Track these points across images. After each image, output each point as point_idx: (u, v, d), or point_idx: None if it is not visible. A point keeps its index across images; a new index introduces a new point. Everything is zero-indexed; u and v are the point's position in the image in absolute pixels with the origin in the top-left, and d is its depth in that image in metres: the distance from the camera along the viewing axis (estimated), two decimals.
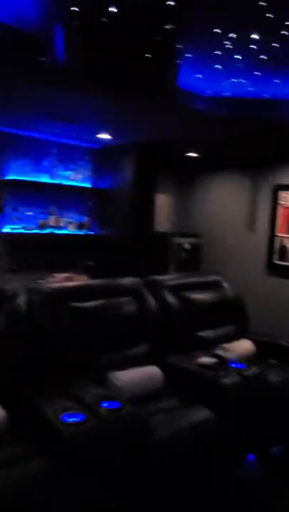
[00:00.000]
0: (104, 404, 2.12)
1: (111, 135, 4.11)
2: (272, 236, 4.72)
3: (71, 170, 4.79)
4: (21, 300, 2.67)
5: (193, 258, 5.52)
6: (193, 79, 3.11)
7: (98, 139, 4.37)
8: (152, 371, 2.79)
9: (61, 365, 2.60)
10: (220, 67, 2.91)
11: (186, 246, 5.48)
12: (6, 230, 4.51)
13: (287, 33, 2.33)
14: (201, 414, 2.49)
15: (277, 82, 3.09)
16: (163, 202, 5.49)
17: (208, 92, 3.37)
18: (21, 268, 4.59)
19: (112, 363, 2.78)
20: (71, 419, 1.94)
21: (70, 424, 1.92)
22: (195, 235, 5.59)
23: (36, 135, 4.44)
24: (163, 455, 2.16)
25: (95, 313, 2.91)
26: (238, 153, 4.82)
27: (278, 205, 4.67)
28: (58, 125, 3.79)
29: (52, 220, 4.72)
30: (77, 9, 2.14)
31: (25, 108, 3.18)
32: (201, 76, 3.07)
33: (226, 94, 3.39)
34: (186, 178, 5.79)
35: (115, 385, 2.54)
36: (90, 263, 4.96)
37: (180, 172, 5.77)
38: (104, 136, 4.15)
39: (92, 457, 1.87)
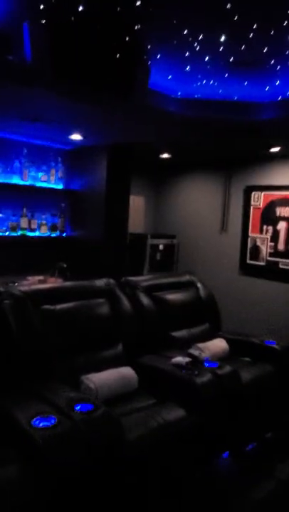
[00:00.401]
0: (77, 407, 2.10)
1: (83, 136, 4.08)
2: (245, 236, 4.79)
3: (43, 171, 4.73)
4: None
5: (167, 259, 5.54)
6: (164, 80, 3.13)
7: (70, 139, 4.33)
8: (126, 372, 2.79)
9: (34, 369, 2.56)
10: (189, 68, 2.94)
11: (161, 247, 5.50)
12: None
13: (254, 36, 2.36)
14: (175, 413, 2.50)
15: (245, 85, 3.13)
16: (137, 203, 5.49)
17: (179, 93, 3.39)
18: None
19: (85, 365, 2.76)
20: (42, 424, 1.91)
21: (42, 429, 1.89)
22: (169, 236, 5.61)
23: (7, 135, 4.36)
24: (136, 454, 2.15)
25: (67, 315, 2.89)
26: (210, 154, 4.87)
27: (250, 206, 4.74)
28: (28, 126, 3.74)
29: (24, 222, 4.64)
30: (45, 7, 2.12)
31: None
32: (171, 77, 3.09)
33: (197, 96, 3.42)
34: (160, 180, 5.81)
35: (89, 388, 2.52)
36: (63, 265, 4.90)
37: (154, 173, 5.79)
38: (76, 137, 4.12)
39: (66, 461, 1.84)
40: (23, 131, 4.08)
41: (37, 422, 1.93)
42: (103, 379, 2.60)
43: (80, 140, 4.31)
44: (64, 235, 5.05)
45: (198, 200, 5.36)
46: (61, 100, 2.80)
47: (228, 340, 3.63)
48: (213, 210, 5.15)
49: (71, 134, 3.97)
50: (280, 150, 4.25)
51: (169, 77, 3.07)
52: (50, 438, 1.85)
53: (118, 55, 2.67)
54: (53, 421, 1.94)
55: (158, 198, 5.84)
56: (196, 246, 5.36)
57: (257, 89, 3.23)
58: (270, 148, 4.10)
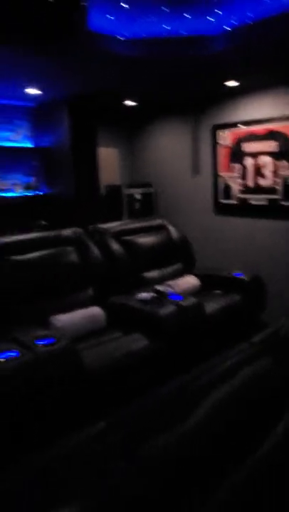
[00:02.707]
0: (40, 342, 2.28)
1: (40, 89, 4.06)
2: (215, 176, 4.83)
3: (9, 130, 4.74)
4: None
5: (145, 207, 5.62)
6: (105, 21, 3.09)
7: (30, 95, 4.31)
8: (94, 311, 2.96)
9: (3, 315, 2.74)
10: (129, 7, 2.90)
11: (137, 196, 5.57)
12: None
13: None
14: (138, 343, 2.69)
15: (188, 18, 3.09)
16: (108, 155, 5.51)
17: (125, 33, 3.35)
18: None
19: (55, 308, 2.92)
20: (3, 356, 2.09)
21: (3, 361, 2.07)
22: (145, 185, 5.66)
23: None
24: (98, 382, 2.35)
25: (35, 264, 3.03)
26: (173, 96, 4.83)
27: (217, 145, 4.75)
28: None
29: None
30: None
31: None
32: (112, 17, 3.05)
33: (144, 35, 3.38)
34: (131, 130, 5.79)
35: (55, 326, 2.70)
36: (43, 223, 5.01)
37: (124, 125, 5.75)
38: (34, 91, 4.10)
39: (28, 391, 2.03)
40: None
41: (1, 356, 2.11)
42: (70, 318, 2.78)
43: (40, 94, 4.29)
44: (40, 193, 5.13)
45: (169, 146, 5.36)
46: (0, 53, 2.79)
47: (199, 277, 3.79)
48: (185, 154, 5.17)
49: (26, 87, 3.95)
50: (239, 85, 4.21)
51: (110, 17, 3.04)
52: (13, 369, 2.03)
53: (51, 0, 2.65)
54: (15, 354, 2.12)
55: (131, 149, 5.84)
56: (171, 192, 5.42)
57: (201, 22, 3.18)
58: (225, 81, 4.06)
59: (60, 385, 2.14)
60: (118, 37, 3.34)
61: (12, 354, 2.12)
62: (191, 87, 4.43)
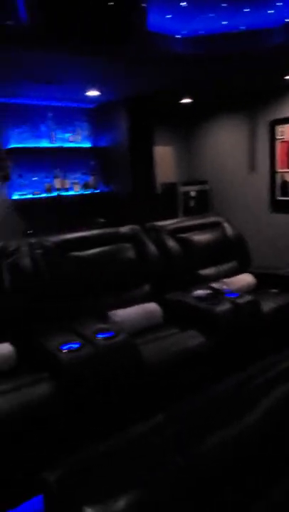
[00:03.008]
0: (100, 335, 2.37)
1: (99, 91, 4.18)
2: (273, 173, 4.73)
3: (69, 132, 4.92)
4: (25, 253, 2.93)
5: (200, 205, 5.61)
6: (164, 20, 3.13)
7: (90, 97, 4.44)
8: (151, 307, 3.01)
9: (64, 309, 2.86)
10: (186, 4, 2.92)
11: (193, 193, 5.57)
12: (15, 197, 4.75)
13: None
14: (195, 339, 2.71)
15: (247, 12, 3.05)
16: (164, 153, 5.55)
17: (183, 32, 3.37)
18: (36, 232, 4.85)
19: (113, 303, 3.01)
20: (67, 347, 2.20)
21: (67, 352, 2.18)
22: (201, 182, 5.65)
23: (30, 101, 4.57)
24: (155, 376, 2.40)
25: (94, 260, 3.14)
26: (230, 92, 4.77)
27: (276, 141, 4.64)
28: (46, 88, 3.91)
29: (57, 183, 4.91)
30: None
31: (6, 74, 3.31)
32: (170, 16, 3.08)
33: (202, 32, 3.38)
34: (187, 128, 5.79)
35: (114, 321, 2.78)
36: (100, 220, 5.15)
37: (178, 122, 5.77)
38: (93, 93, 4.23)
39: (88, 380, 2.13)
40: (43, 94, 4.25)
41: (64, 347, 2.22)
42: (128, 313, 2.85)
43: (99, 96, 4.41)
44: (97, 191, 5.28)
45: (225, 143, 5.31)
46: (62, 56, 2.92)
47: (255, 275, 3.74)
48: (241, 150, 5.10)
49: (87, 90, 4.09)
50: None
51: (168, 16, 3.07)
52: (73, 359, 2.14)
53: (111, 2, 2.73)
54: (77, 345, 2.23)
55: (187, 147, 5.85)
56: (227, 189, 5.37)
57: (261, 15, 3.13)
58: (285, 75, 3.96)
59: (119, 378, 2.21)
60: (176, 36, 3.37)
61: (74, 346, 2.23)
62: (250, 82, 4.36)
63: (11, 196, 4.75)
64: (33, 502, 1.95)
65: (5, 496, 1.93)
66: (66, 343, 2.26)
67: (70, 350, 2.19)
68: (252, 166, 4.99)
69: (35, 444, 1.97)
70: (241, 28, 3.37)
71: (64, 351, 2.18)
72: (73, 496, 1.39)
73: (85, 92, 4.15)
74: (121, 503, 1.36)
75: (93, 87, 4.03)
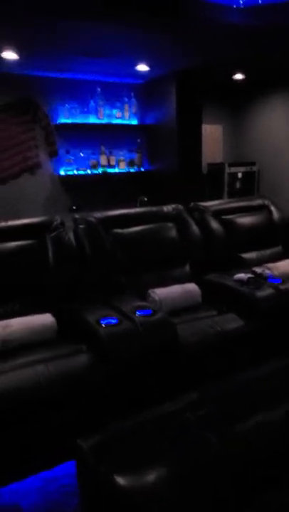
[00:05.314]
0: (138, 312, 2.39)
1: (148, 66, 4.10)
2: None
3: (117, 108, 4.89)
4: (68, 228, 2.99)
5: (247, 187, 5.47)
6: None
7: (139, 72, 4.38)
8: (191, 287, 3.00)
9: (105, 285, 2.91)
10: None
11: (239, 175, 5.43)
12: (61, 172, 4.82)
13: None
14: (233, 323, 2.68)
15: None
16: (212, 132, 5.42)
17: (239, 1, 3.21)
18: (80, 208, 4.93)
19: (153, 281, 3.03)
20: (106, 322, 2.24)
21: (106, 326, 2.23)
22: (248, 163, 5.49)
23: (79, 76, 4.57)
24: (191, 356, 2.40)
25: (136, 238, 3.15)
26: (285, 68, 4.54)
27: None
28: (96, 62, 3.88)
29: (103, 160, 4.93)
30: None
31: (58, 48, 3.31)
32: None
33: (259, 1, 3.20)
34: (238, 107, 5.61)
35: (154, 300, 2.80)
36: (144, 198, 5.15)
37: (227, 100, 5.58)
38: (143, 67, 4.16)
39: (124, 354, 2.17)
40: (93, 69, 4.24)
41: (103, 321, 2.27)
42: (167, 292, 2.86)
43: (148, 71, 4.34)
44: (142, 169, 5.25)
45: (277, 124, 5.10)
46: (116, 29, 2.88)
47: None
48: None
49: (136, 64, 4.03)
50: None
51: None
52: (112, 333, 2.18)
53: None
54: (115, 321, 2.27)
55: (236, 126, 5.67)
56: (277, 171, 5.19)
57: None
58: None
59: (155, 355, 2.24)
60: (232, 5, 3.21)
61: (112, 321, 2.27)
62: None
63: (58, 172, 4.83)
64: (67, 466, 2.03)
65: (42, 457, 2.02)
66: (105, 318, 2.30)
67: (108, 325, 2.23)
68: None
69: (71, 412, 2.04)
70: None
71: (103, 325, 2.23)
72: (105, 464, 1.45)
73: (135, 66, 4.09)
74: (151, 475, 1.40)
75: (143, 61, 3.96)
